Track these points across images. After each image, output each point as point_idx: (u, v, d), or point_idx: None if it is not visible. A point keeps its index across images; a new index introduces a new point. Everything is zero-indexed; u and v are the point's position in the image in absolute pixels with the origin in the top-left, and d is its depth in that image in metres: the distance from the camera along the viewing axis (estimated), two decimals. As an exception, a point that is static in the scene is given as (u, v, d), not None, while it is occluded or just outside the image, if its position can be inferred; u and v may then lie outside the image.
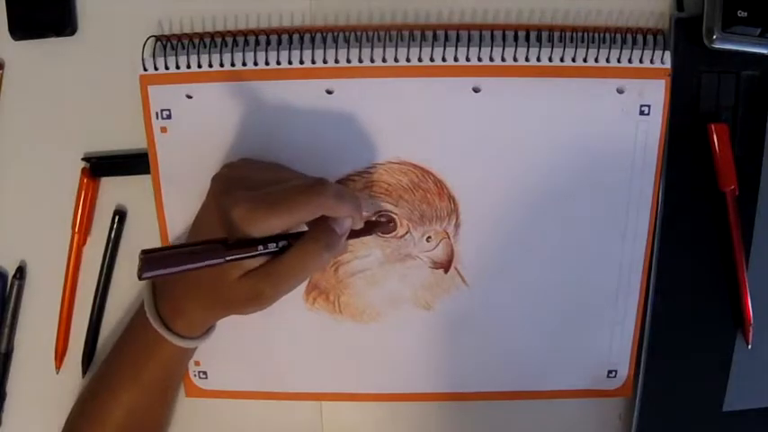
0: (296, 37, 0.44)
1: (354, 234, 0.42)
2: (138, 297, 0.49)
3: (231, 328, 0.46)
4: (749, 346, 0.46)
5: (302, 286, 0.47)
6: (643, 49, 0.43)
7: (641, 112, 0.44)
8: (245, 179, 0.39)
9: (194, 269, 0.36)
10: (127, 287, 0.49)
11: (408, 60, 0.43)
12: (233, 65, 0.44)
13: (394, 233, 0.46)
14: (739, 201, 0.45)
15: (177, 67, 0.44)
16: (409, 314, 0.47)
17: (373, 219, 0.45)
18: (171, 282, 0.42)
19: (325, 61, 0.43)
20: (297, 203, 0.37)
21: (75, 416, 0.46)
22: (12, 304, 0.48)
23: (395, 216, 0.45)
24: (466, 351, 0.48)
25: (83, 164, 0.47)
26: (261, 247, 0.37)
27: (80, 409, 0.46)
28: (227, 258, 0.36)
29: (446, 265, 0.46)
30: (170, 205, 0.46)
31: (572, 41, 0.43)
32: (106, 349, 0.49)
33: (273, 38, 0.44)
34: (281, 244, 0.37)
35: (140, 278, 0.35)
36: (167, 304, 0.42)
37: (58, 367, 0.49)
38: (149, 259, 0.35)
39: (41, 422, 0.49)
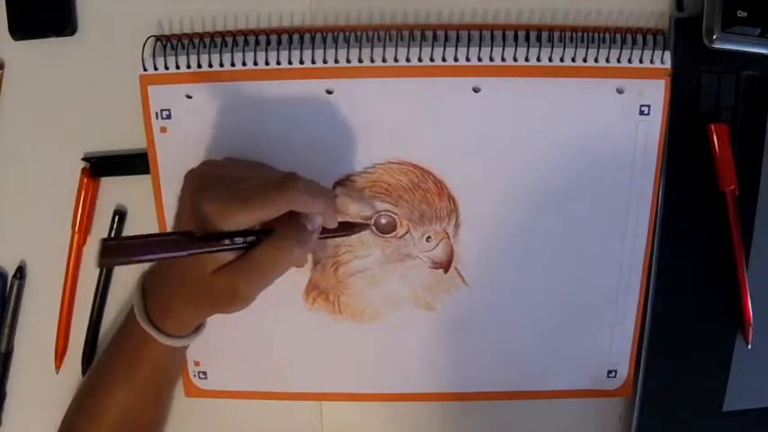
0: (296, 37, 0.44)
1: (331, 232, 0.42)
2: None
3: (231, 328, 0.46)
4: (749, 346, 0.46)
5: (302, 286, 0.47)
6: (643, 49, 0.43)
7: (641, 112, 0.44)
8: (222, 177, 0.39)
9: (153, 260, 0.36)
10: (127, 287, 0.49)
11: (408, 60, 0.43)
12: (233, 65, 0.44)
13: (393, 233, 0.46)
14: (739, 201, 0.45)
15: (177, 67, 0.44)
16: (409, 314, 0.47)
17: (349, 220, 0.45)
18: (158, 282, 0.42)
19: (325, 61, 0.43)
20: (267, 198, 0.37)
21: (72, 413, 0.46)
22: (12, 304, 0.48)
23: (395, 216, 0.45)
24: (466, 351, 0.48)
25: (83, 164, 0.47)
26: (228, 242, 0.37)
27: (77, 406, 0.46)
28: (191, 252, 0.36)
29: (446, 264, 0.46)
30: (170, 205, 0.46)
31: (572, 41, 0.43)
32: (106, 349, 0.49)
33: (273, 38, 0.44)
34: (249, 239, 0.37)
35: (97, 266, 0.35)
36: (156, 304, 0.42)
37: (57, 367, 0.49)
38: (108, 247, 0.35)
39: (41, 422, 0.49)
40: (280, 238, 0.38)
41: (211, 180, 0.39)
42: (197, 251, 0.36)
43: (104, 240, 0.35)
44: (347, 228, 0.44)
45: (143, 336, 0.42)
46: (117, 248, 0.35)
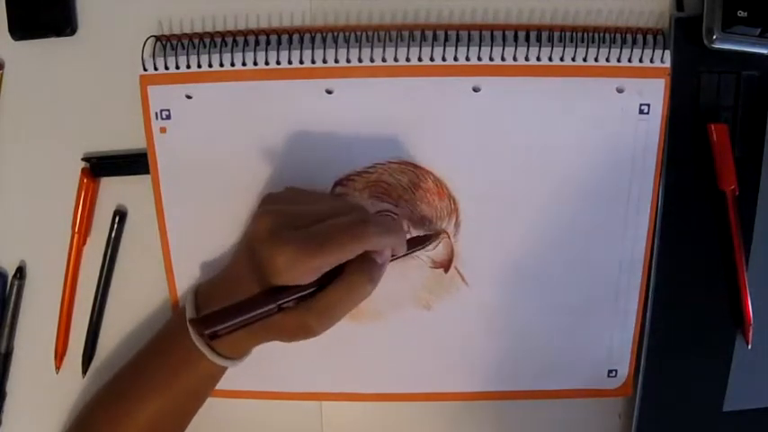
0: (296, 37, 0.44)
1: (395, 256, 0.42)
2: (141, 300, 0.49)
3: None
4: (749, 346, 0.46)
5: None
6: (643, 49, 0.43)
7: (641, 112, 0.44)
8: (289, 216, 0.39)
9: (247, 321, 0.36)
10: (127, 287, 0.49)
11: (408, 60, 0.43)
12: (233, 65, 0.44)
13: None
14: (739, 201, 0.45)
15: (177, 67, 0.44)
16: (409, 314, 0.47)
17: (417, 234, 0.45)
18: (219, 303, 0.41)
19: (325, 61, 0.43)
20: (341, 245, 0.37)
21: (92, 414, 0.45)
22: (12, 304, 0.48)
23: (395, 216, 0.45)
24: (465, 351, 0.48)
25: (83, 164, 0.47)
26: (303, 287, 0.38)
27: (101, 408, 0.45)
28: (279, 303, 0.37)
29: (446, 264, 0.46)
30: (170, 205, 0.46)
31: (572, 41, 0.43)
32: (106, 349, 0.49)
33: (273, 38, 0.44)
34: (322, 280, 0.38)
35: (204, 337, 0.37)
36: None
37: (57, 367, 0.49)
38: (202, 320, 0.36)
39: (41, 422, 0.49)
40: (352, 277, 0.38)
41: (279, 222, 0.38)
42: (284, 301, 0.37)
43: (192, 320, 0.36)
44: (418, 243, 0.44)
45: (190, 350, 0.41)
46: (208, 320, 0.36)
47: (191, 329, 0.41)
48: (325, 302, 0.38)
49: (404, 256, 0.42)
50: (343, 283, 0.38)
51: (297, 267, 0.36)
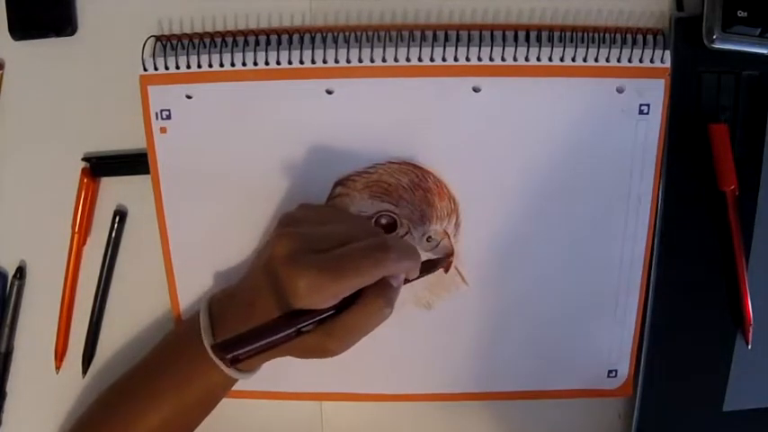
0: (296, 37, 0.44)
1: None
2: (141, 300, 0.49)
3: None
4: (749, 346, 0.46)
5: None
6: (643, 49, 0.43)
7: (641, 112, 0.44)
8: (308, 239, 0.39)
9: (269, 344, 0.37)
10: (127, 287, 0.49)
11: (408, 60, 0.43)
12: (233, 65, 0.44)
13: (394, 233, 0.45)
14: (739, 201, 0.45)
15: (177, 67, 0.44)
16: (409, 314, 0.47)
17: (427, 258, 0.45)
18: (234, 317, 0.41)
19: (325, 61, 0.43)
20: (360, 271, 0.37)
21: (95, 416, 0.45)
22: (12, 304, 0.48)
23: (395, 216, 0.45)
24: (466, 351, 0.48)
25: (83, 164, 0.47)
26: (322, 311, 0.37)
27: (106, 409, 0.45)
28: (298, 327, 0.37)
29: (446, 264, 0.46)
30: (170, 205, 0.46)
31: (572, 41, 0.43)
32: (106, 349, 0.49)
33: (273, 38, 0.44)
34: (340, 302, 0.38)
35: (227, 361, 0.37)
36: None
37: (57, 367, 0.49)
38: (223, 345, 0.36)
39: (41, 422, 0.49)
40: (371, 301, 0.38)
41: (298, 246, 0.38)
42: (304, 325, 0.37)
43: (214, 346, 0.37)
44: (430, 266, 0.44)
45: (203, 359, 0.41)
46: (230, 345, 0.37)
47: (209, 350, 0.40)
48: (344, 327, 0.38)
49: (415, 279, 0.42)
50: (361, 307, 0.38)
51: (318, 292, 0.36)
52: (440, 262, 0.45)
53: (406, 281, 0.41)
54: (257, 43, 0.45)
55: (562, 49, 0.43)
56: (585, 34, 0.43)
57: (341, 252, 0.37)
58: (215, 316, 0.42)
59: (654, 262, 0.46)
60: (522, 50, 0.43)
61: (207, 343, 0.41)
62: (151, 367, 0.44)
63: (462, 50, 0.43)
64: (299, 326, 0.37)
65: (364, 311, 0.38)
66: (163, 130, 0.45)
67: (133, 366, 0.45)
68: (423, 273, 0.42)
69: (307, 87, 0.44)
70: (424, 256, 0.46)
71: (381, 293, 0.38)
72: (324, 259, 0.37)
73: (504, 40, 0.44)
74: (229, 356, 0.36)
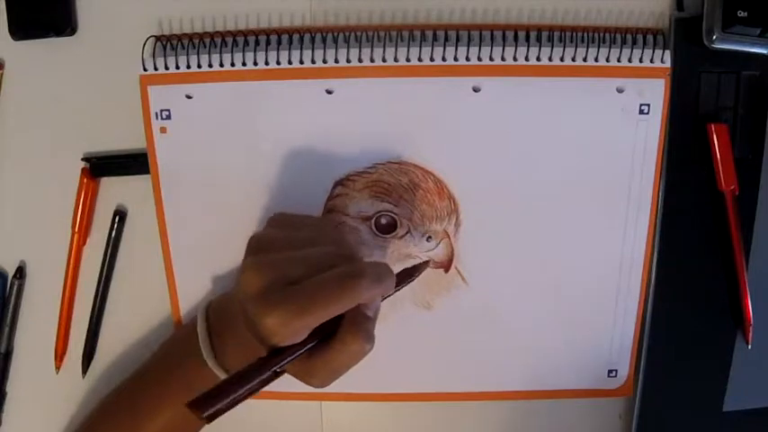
0: (296, 37, 0.44)
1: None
2: (141, 300, 0.49)
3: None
4: (749, 346, 0.46)
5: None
6: (643, 49, 0.43)
7: (641, 111, 0.44)
8: (278, 267, 0.37)
9: (247, 393, 0.35)
10: (127, 287, 0.49)
11: (408, 60, 0.43)
12: (233, 65, 0.44)
13: (394, 233, 0.45)
14: (739, 201, 0.45)
15: (177, 67, 0.44)
16: (409, 314, 0.47)
17: (405, 267, 0.44)
18: (232, 333, 0.41)
19: (325, 61, 0.43)
20: (330, 301, 0.35)
21: (96, 423, 0.45)
22: (12, 304, 0.48)
23: (395, 216, 0.45)
24: (466, 351, 0.48)
25: (83, 164, 0.47)
26: (298, 346, 0.36)
27: (106, 419, 0.45)
28: (275, 370, 0.36)
29: (446, 264, 0.46)
30: (170, 205, 0.46)
31: (572, 41, 0.43)
32: (106, 349, 0.49)
33: (273, 38, 0.44)
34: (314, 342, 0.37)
35: (205, 419, 0.35)
36: (228, 351, 0.41)
37: (57, 367, 0.49)
38: (197, 402, 0.34)
39: (41, 422, 0.49)
40: (349, 340, 0.36)
41: (274, 272, 0.36)
42: (277, 367, 0.36)
43: (190, 404, 0.35)
44: (406, 276, 0.42)
45: (204, 366, 0.41)
46: (205, 401, 0.35)
47: (207, 360, 0.41)
48: (325, 366, 0.37)
49: (392, 294, 0.40)
50: (340, 346, 0.36)
51: (286, 327, 0.35)
52: (417, 269, 0.44)
53: (385, 298, 0.39)
54: (257, 43, 0.45)
55: (562, 48, 0.43)
56: (585, 34, 0.43)
57: (309, 283, 0.36)
58: (213, 323, 0.42)
59: (654, 262, 0.46)
60: (522, 50, 0.43)
61: (205, 354, 0.41)
62: (151, 375, 0.45)
63: (462, 50, 0.43)
64: (273, 368, 0.36)
65: (343, 350, 0.36)
66: (163, 130, 0.45)
67: (133, 373, 0.46)
68: (399, 285, 0.40)
69: (307, 87, 0.44)
70: (417, 259, 0.46)
71: (358, 330, 0.36)
72: (290, 294, 0.35)
73: (504, 40, 0.44)
74: (205, 415, 0.34)
